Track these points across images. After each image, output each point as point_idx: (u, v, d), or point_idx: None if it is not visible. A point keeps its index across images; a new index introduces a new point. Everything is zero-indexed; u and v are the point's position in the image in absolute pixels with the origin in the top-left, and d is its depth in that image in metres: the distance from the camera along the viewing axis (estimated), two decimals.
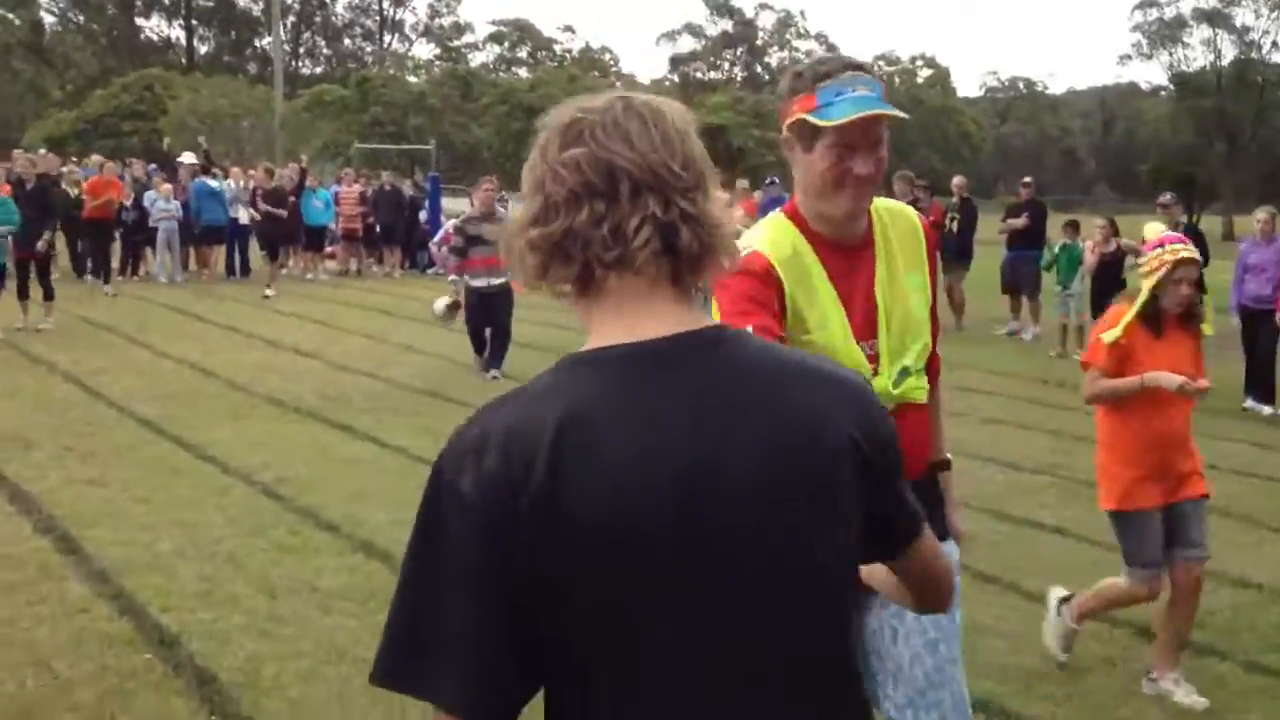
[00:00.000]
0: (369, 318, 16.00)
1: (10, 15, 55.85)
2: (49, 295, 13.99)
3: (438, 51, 63.53)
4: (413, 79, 47.91)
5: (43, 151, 22.72)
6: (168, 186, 19.47)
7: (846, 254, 2.58)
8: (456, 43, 65.19)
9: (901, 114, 2.48)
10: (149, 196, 19.11)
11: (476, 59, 64.87)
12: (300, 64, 63.67)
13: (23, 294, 13.52)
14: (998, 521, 7.03)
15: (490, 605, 1.34)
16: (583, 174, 1.39)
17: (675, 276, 1.43)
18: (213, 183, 19.76)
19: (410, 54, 62.49)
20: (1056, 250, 14.55)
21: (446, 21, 65.85)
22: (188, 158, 22.36)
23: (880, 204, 2.68)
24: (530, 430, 1.35)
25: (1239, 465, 8.64)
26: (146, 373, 11.47)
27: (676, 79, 68.80)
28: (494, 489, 1.33)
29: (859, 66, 2.47)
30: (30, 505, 6.89)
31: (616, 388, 1.38)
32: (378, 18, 64.88)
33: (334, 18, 64.85)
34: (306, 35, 65.31)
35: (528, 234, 1.42)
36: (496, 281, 11.26)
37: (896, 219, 2.71)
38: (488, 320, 11.56)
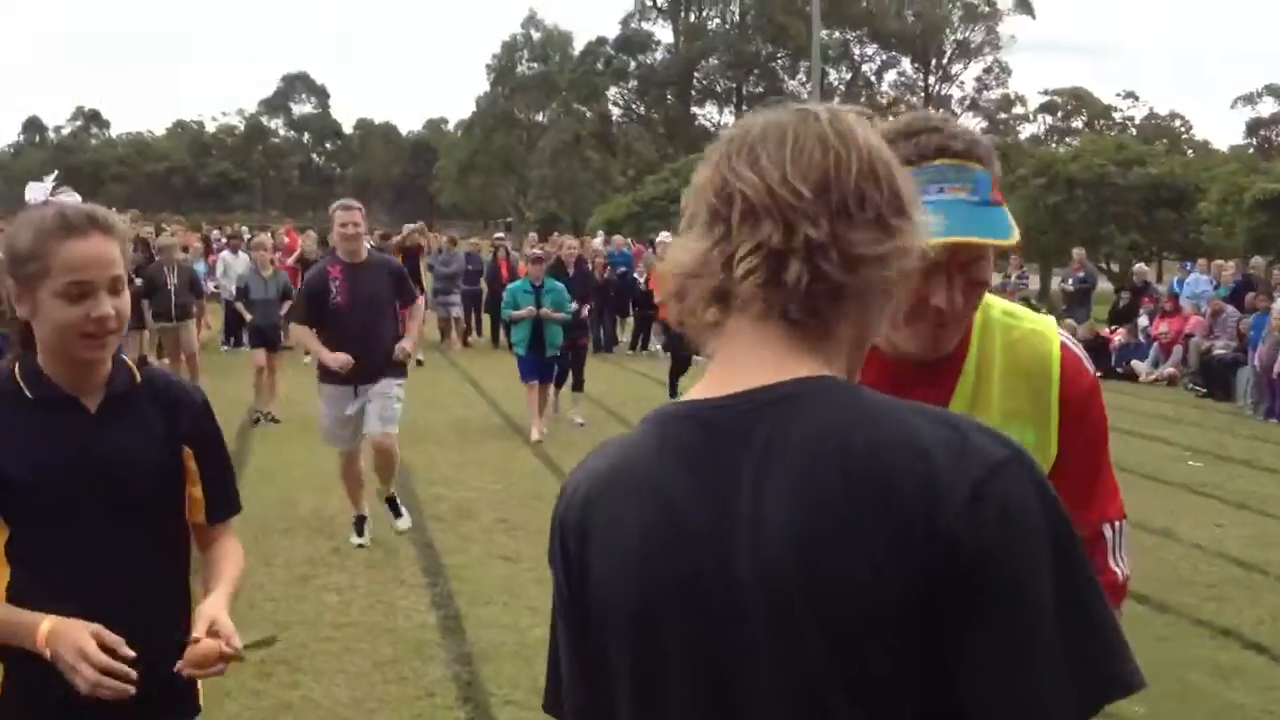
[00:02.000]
0: None
1: (583, 108, 61.19)
2: (579, 386, 13.09)
3: (984, 125, 62.62)
4: None
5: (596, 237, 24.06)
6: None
7: (914, 371, 1.87)
8: (1005, 115, 64.00)
9: (1004, 240, 1.76)
10: None
11: (1026, 130, 63.30)
12: None
13: (560, 384, 12.80)
14: None
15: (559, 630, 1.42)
16: (706, 198, 1.27)
17: (785, 314, 1.23)
18: None
19: None
20: None
21: (996, 94, 64.92)
22: None
23: (998, 316, 1.94)
24: (586, 484, 1.34)
25: None
26: None
27: (1255, 144, 63.55)
28: (555, 534, 1.38)
29: (960, 149, 1.77)
30: (438, 577, 7.09)
31: (654, 458, 1.28)
32: (923, 94, 65.04)
33: (879, 95, 65.66)
34: None
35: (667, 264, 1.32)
36: None
37: (1016, 347, 1.94)
38: None
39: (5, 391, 2.31)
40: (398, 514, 7.94)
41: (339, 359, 7.34)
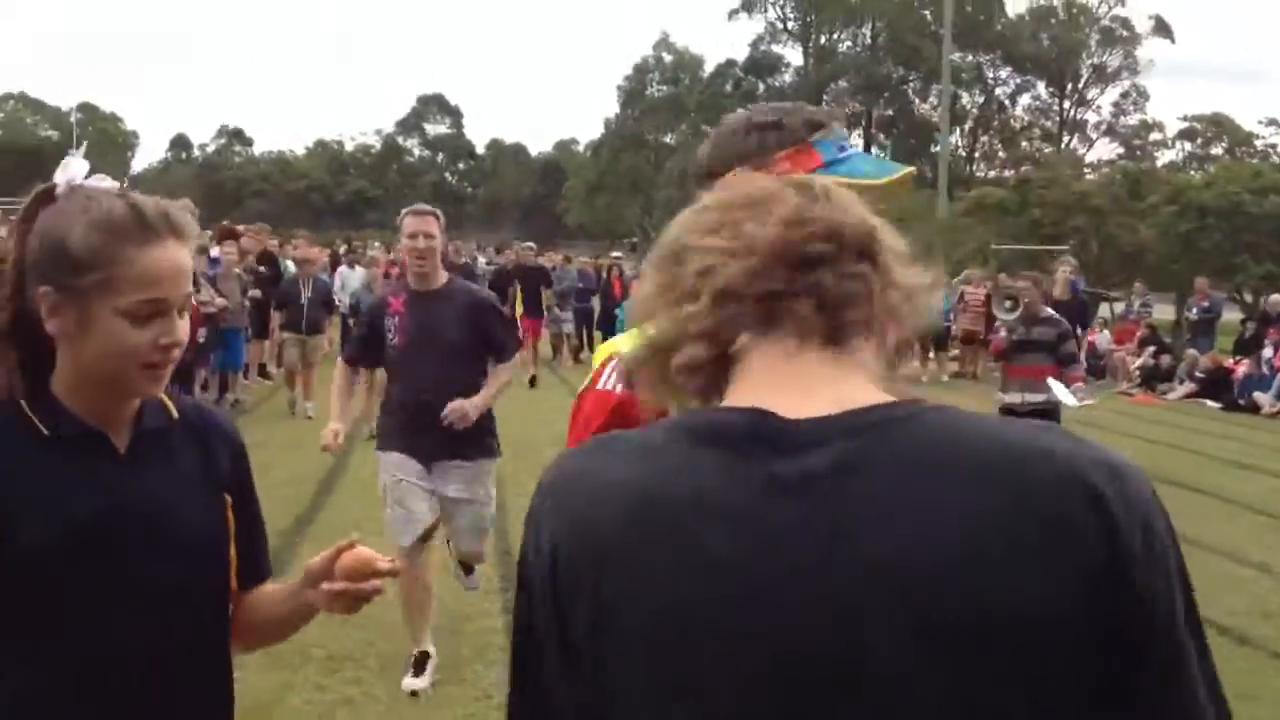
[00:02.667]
0: None
1: (710, 130, 60.97)
2: None
3: (1120, 151, 61.31)
4: (1088, 178, 46.60)
5: None
6: None
7: None
8: (1141, 141, 62.53)
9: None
10: None
11: (1165, 157, 61.77)
12: (975, 167, 64.07)
13: None
14: None
15: None
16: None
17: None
18: None
19: (1083, 154, 60.74)
20: None
21: (1133, 120, 63.49)
22: None
23: None
24: (608, 499, 1.11)
25: None
26: None
27: None
28: (551, 553, 1.14)
29: (823, 119, 1.85)
30: (511, 584, 7.10)
31: (721, 479, 1.08)
32: (1058, 118, 63.86)
33: (1012, 120, 64.64)
34: (984, 138, 65.73)
35: None
36: (1033, 398, 9.14)
37: None
38: None
39: (7, 426, 1.81)
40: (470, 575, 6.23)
41: (325, 436, 5.70)
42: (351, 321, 14.75)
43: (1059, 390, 9.03)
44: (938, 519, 1.01)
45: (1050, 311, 9.96)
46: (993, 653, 0.98)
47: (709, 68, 64.15)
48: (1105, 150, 63.44)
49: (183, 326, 1.82)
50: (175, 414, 1.95)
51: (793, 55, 65.08)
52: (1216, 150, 61.68)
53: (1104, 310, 25.48)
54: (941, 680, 0.98)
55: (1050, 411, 8.96)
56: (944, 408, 1.10)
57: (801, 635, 1.01)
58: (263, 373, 17.03)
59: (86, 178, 1.85)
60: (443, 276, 5.62)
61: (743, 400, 1.12)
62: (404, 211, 5.67)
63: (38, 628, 1.75)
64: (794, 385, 1.12)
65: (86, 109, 73.19)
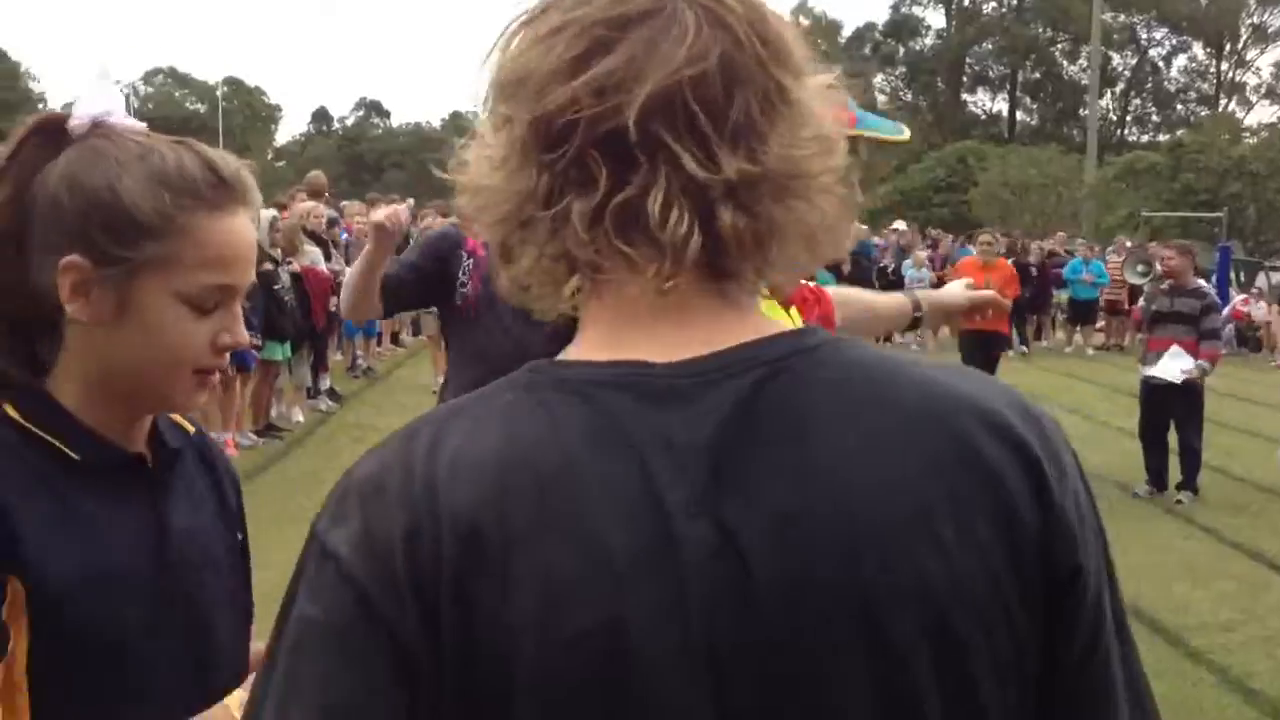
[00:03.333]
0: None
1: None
2: None
3: None
4: (1246, 142, 44.52)
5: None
6: (922, 255, 19.44)
7: None
8: None
9: None
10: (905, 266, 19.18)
11: None
12: (1127, 131, 61.94)
13: None
14: None
15: None
16: None
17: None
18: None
19: (1242, 117, 58.21)
20: None
21: None
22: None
23: None
24: (466, 477, 0.87)
25: None
26: None
27: None
28: (398, 548, 0.87)
29: None
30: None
31: (585, 443, 0.89)
32: (1214, 80, 61.34)
33: (1166, 82, 62.28)
34: (1136, 101, 63.49)
35: None
36: (1177, 365, 8.72)
37: None
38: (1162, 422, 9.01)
39: (19, 450, 1.35)
40: None
41: (386, 212, 3.88)
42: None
43: (1167, 361, 8.76)
44: (857, 478, 0.88)
45: (1200, 283, 9.45)
46: (907, 623, 0.86)
47: (847, 32, 63.01)
48: (1265, 114, 60.84)
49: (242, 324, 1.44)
50: (191, 429, 1.56)
51: (934, 18, 63.60)
52: None
53: (1261, 280, 24.22)
54: (860, 660, 0.86)
55: (1190, 389, 8.73)
56: (828, 342, 0.95)
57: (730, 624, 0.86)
58: (395, 340, 17.07)
59: (121, 118, 1.40)
60: None
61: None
62: None
63: (70, 676, 1.34)
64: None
65: (232, 82, 74.86)
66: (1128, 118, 64.12)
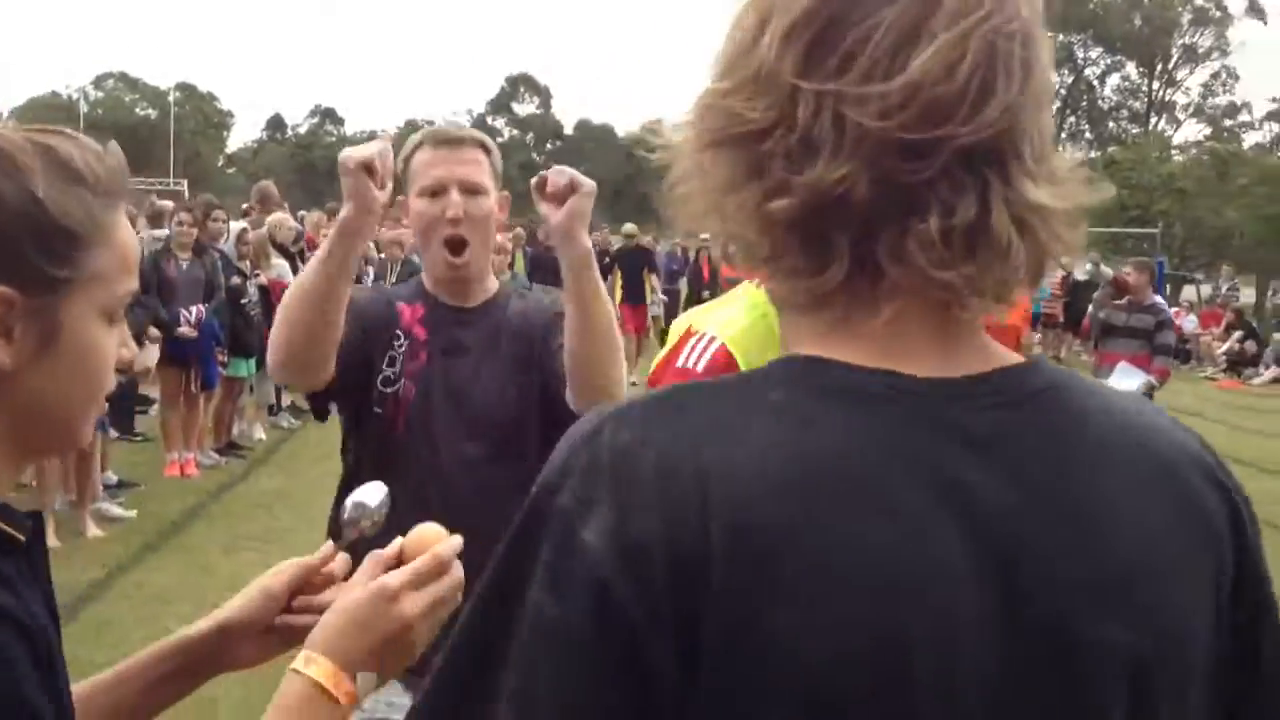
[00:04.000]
0: None
1: None
2: None
3: (1208, 132, 60.45)
4: (1175, 159, 46.11)
5: None
6: None
7: None
8: (1230, 122, 61.62)
9: None
10: None
11: (1251, 139, 60.77)
12: (1062, 148, 62.23)
13: None
14: None
15: None
16: None
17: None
18: None
19: (1170, 135, 59.88)
20: None
21: (1222, 101, 62.59)
22: None
23: None
24: (748, 480, 0.82)
25: None
26: None
27: None
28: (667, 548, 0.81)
29: None
30: None
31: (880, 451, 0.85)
32: (1145, 99, 63.06)
33: (1100, 100, 63.90)
34: (1071, 119, 64.95)
35: None
36: (1128, 382, 8.35)
37: None
38: None
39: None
40: None
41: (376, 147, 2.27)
42: None
43: (1116, 378, 8.62)
44: (1122, 525, 0.88)
45: (1157, 299, 9.71)
46: (1164, 679, 0.87)
47: None
48: (1192, 131, 62.63)
49: None
50: None
51: None
52: None
53: (1189, 293, 25.52)
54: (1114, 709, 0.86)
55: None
56: (1059, 371, 0.95)
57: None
58: None
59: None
60: (491, 283, 2.67)
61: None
62: (415, 137, 2.65)
63: None
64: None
65: (184, 88, 74.34)
66: (1063, 134, 65.57)
